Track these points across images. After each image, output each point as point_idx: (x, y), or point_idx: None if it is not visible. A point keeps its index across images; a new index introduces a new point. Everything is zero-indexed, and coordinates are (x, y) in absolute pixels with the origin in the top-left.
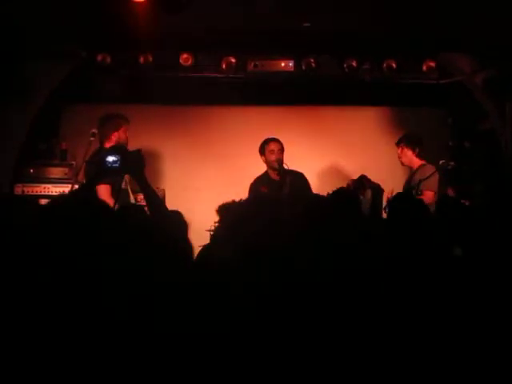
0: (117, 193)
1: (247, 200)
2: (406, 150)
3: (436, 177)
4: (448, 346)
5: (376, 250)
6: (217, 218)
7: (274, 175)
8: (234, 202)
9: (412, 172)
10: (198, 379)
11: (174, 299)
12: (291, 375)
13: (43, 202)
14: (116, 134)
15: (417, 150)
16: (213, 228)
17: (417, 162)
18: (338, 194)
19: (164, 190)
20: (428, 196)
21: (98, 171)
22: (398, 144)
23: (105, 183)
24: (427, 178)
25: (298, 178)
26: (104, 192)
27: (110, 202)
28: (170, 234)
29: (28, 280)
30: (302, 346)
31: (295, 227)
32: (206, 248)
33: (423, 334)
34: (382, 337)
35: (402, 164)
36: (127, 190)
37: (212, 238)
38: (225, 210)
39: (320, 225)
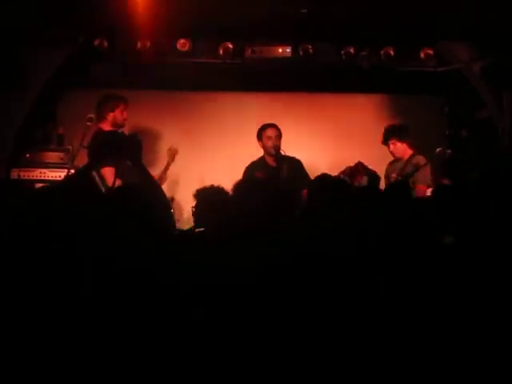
0: (121, 173)
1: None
2: (399, 144)
3: (428, 169)
4: (445, 338)
5: (369, 236)
6: None
7: (270, 161)
8: (212, 186)
9: (403, 162)
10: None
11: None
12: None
13: (39, 186)
14: (112, 114)
15: (408, 141)
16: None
17: (408, 152)
18: (320, 180)
19: (177, 150)
20: (421, 189)
21: (94, 157)
22: (387, 141)
23: (109, 165)
24: (419, 168)
25: (295, 165)
26: (109, 173)
27: (116, 182)
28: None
29: (23, 265)
30: (295, 329)
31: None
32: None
33: (418, 322)
34: (376, 324)
35: (394, 156)
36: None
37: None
38: (202, 195)
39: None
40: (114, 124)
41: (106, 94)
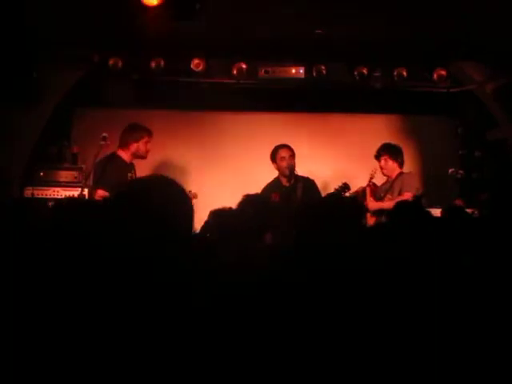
0: None
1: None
2: (390, 162)
3: (415, 179)
4: (448, 351)
5: (376, 253)
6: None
7: (284, 181)
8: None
9: (391, 180)
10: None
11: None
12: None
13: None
14: (135, 144)
15: (399, 161)
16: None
17: (397, 171)
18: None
19: (196, 194)
20: (407, 197)
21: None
22: (379, 156)
23: (103, 189)
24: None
25: (309, 185)
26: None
27: None
28: None
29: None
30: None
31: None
32: None
33: (423, 338)
34: (380, 340)
35: (384, 175)
36: None
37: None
38: (216, 216)
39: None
40: (136, 155)
41: (132, 124)
